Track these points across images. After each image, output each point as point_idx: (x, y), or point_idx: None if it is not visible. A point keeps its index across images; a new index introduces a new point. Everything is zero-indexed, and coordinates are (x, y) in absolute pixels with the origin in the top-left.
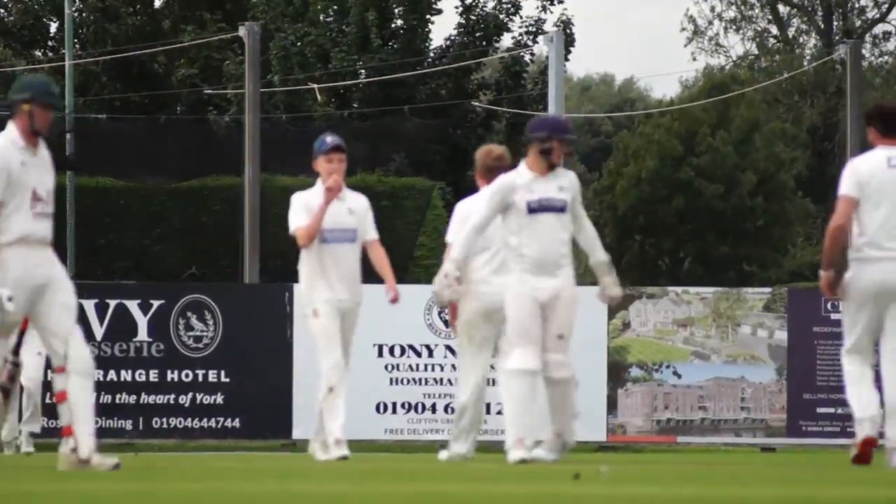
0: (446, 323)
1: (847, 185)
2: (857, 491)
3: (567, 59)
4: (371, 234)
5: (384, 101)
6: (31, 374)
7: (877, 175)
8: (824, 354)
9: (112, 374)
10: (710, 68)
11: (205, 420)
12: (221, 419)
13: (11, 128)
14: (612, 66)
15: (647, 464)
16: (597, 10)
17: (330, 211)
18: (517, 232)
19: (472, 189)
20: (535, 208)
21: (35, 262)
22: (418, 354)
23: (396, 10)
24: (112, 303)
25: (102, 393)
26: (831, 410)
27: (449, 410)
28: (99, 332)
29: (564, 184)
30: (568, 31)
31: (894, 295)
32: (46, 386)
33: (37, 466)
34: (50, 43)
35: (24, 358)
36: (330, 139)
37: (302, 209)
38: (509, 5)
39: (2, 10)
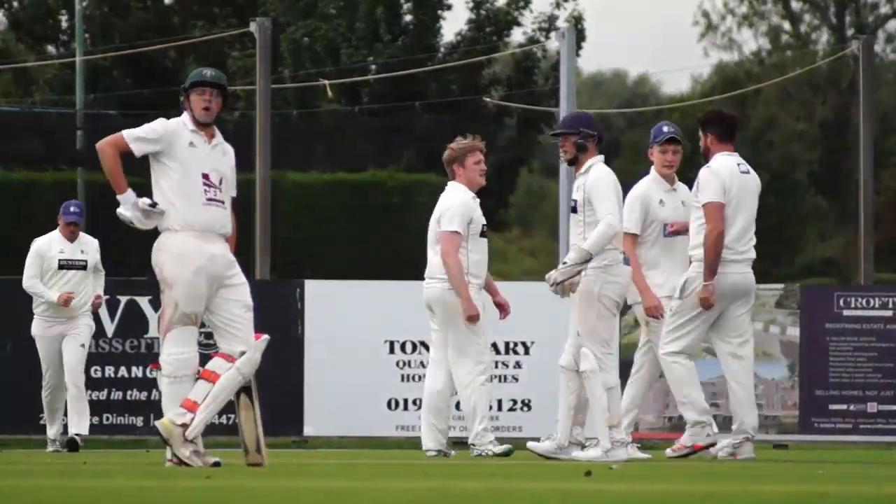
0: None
1: (715, 191)
2: (868, 488)
3: (578, 55)
4: None
5: (395, 96)
6: (73, 366)
7: (735, 181)
8: (837, 351)
9: (123, 371)
10: (723, 64)
11: (216, 417)
12: (233, 416)
13: (187, 113)
14: (623, 62)
15: (659, 461)
16: (608, 5)
17: (668, 204)
18: None
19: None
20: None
21: (205, 250)
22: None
23: (406, 6)
24: (123, 299)
25: (113, 390)
26: (843, 407)
27: (460, 407)
28: (110, 328)
29: (581, 182)
30: (579, 26)
31: (742, 296)
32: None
33: (51, 463)
34: (61, 37)
35: (66, 348)
36: (667, 128)
37: (637, 205)
38: (520, 0)
39: (15, 4)
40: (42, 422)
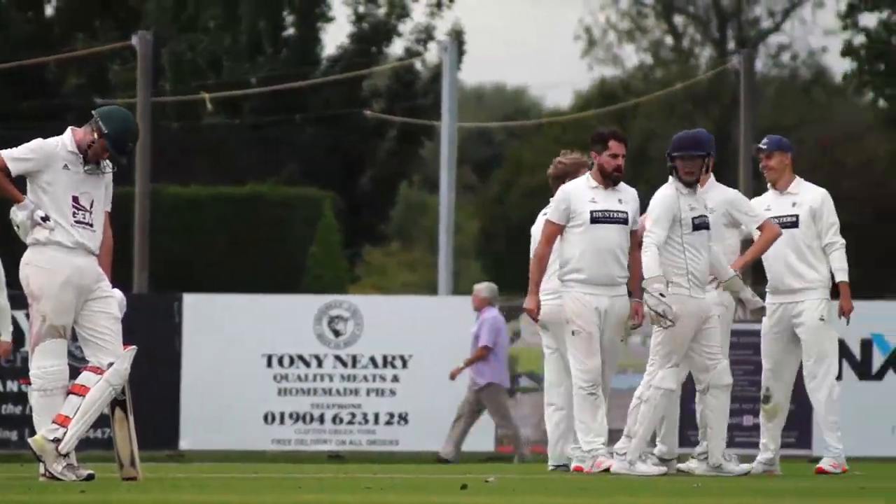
0: (336, 332)
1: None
2: (744, 500)
3: (459, 69)
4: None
5: (276, 110)
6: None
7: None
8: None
9: None
10: (604, 78)
11: (91, 430)
12: (107, 429)
13: (71, 134)
14: (507, 76)
15: (535, 474)
16: (490, 19)
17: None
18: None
19: (364, 197)
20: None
21: (73, 262)
22: (307, 364)
23: (288, 19)
24: None
25: None
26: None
27: (337, 420)
28: None
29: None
30: (460, 39)
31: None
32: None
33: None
34: None
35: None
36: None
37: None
38: (400, 9)
39: None
40: None
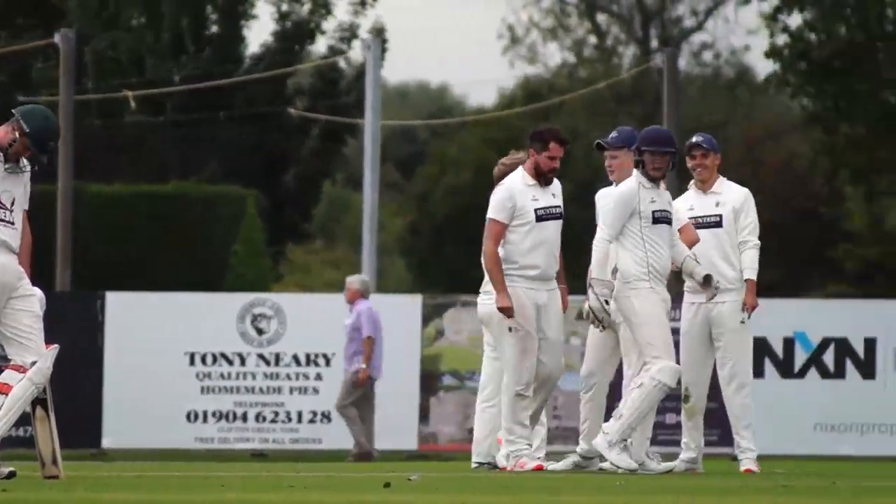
0: (259, 331)
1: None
2: (666, 498)
3: (382, 67)
4: None
5: (199, 108)
6: None
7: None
8: None
9: None
10: (528, 77)
11: (13, 429)
12: (29, 428)
13: None
14: (429, 74)
15: (458, 472)
16: (413, 17)
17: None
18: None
19: (288, 195)
20: (660, 219)
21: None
22: (230, 363)
23: (211, 17)
24: None
25: None
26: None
27: (260, 419)
28: None
29: (667, 197)
30: (383, 37)
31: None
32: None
33: None
34: None
35: None
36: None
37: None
38: (322, 8)
39: None
40: None
